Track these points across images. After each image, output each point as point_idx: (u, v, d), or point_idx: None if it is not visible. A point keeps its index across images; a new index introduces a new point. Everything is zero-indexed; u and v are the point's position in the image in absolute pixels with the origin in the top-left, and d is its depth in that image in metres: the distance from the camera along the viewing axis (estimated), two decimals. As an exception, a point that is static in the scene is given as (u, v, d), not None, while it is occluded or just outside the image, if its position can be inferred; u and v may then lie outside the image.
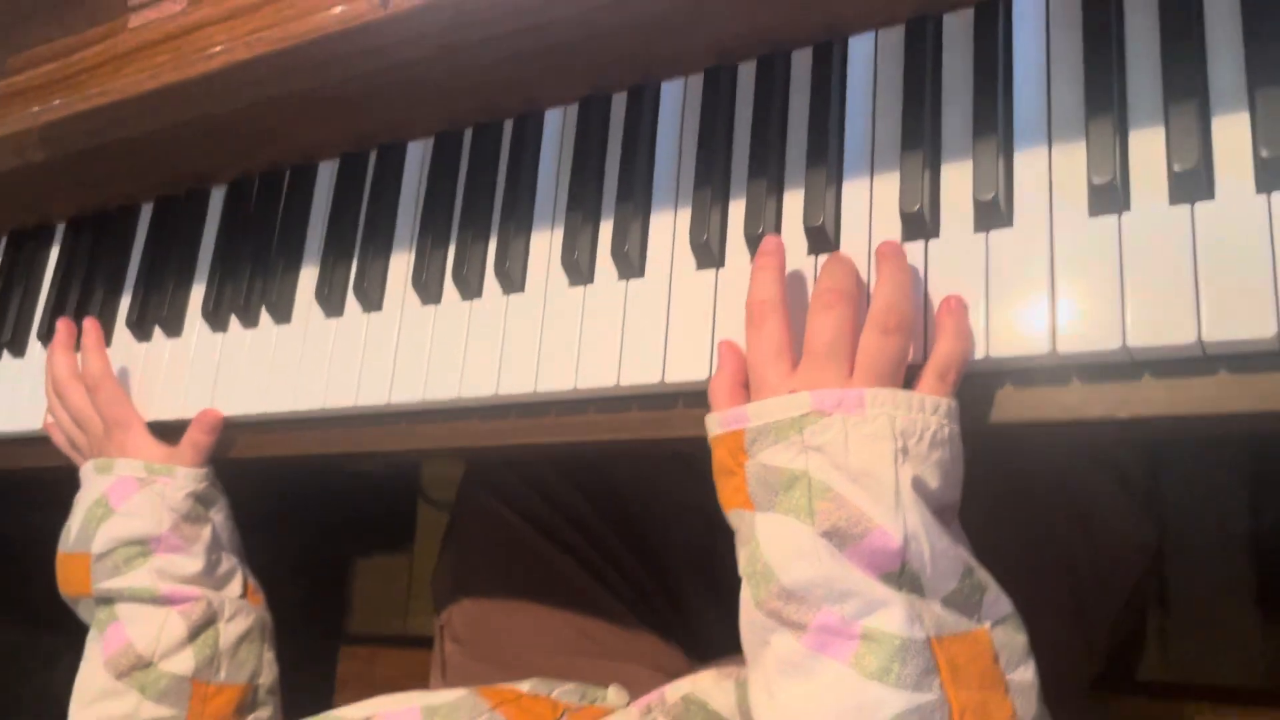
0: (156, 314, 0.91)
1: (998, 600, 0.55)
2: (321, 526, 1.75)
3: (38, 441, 0.96)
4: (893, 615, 0.51)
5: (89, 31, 0.75)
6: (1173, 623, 1.25)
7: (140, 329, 0.92)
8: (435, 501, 1.88)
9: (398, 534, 1.92)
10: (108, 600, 0.81)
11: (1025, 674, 0.54)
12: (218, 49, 0.65)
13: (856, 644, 0.52)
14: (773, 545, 0.54)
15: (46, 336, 0.98)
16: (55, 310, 0.98)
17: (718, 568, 0.99)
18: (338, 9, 0.60)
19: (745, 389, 0.62)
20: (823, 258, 0.62)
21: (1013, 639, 0.55)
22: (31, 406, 0.97)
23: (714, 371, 0.63)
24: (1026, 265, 0.56)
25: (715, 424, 0.60)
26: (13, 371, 1.01)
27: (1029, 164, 0.58)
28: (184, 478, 0.83)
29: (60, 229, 1.03)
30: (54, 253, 1.03)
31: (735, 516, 0.59)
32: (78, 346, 0.92)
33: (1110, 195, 0.54)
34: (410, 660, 1.18)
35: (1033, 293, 0.55)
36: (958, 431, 0.55)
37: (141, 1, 0.72)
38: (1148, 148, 0.54)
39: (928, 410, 0.55)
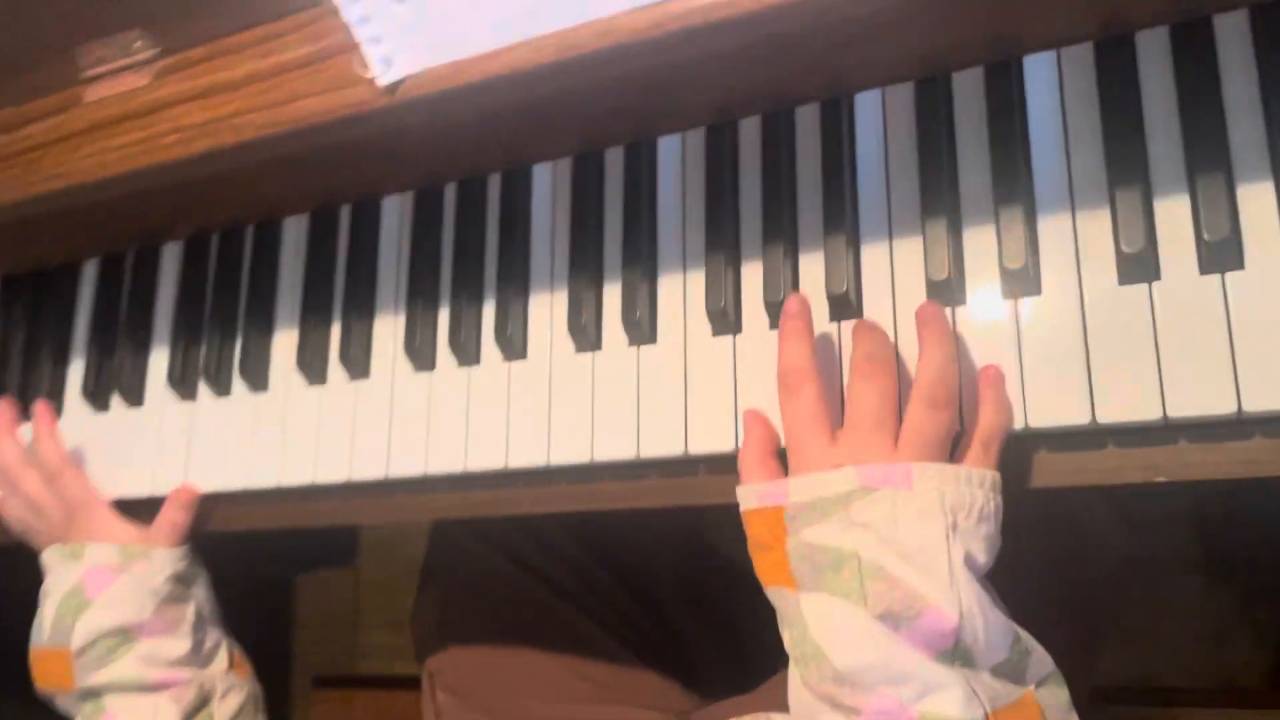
0: (114, 381, 0.87)
1: (1041, 661, 0.56)
2: (260, 546, 1.70)
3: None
4: (951, 698, 0.51)
5: (31, 105, 0.69)
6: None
7: (97, 398, 0.87)
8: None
9: (340, 548, 1.88)
10: (93, 694, 0.77)
11: None
12: (196, 132, 0.60)
13: None
14: (823, 627, 0.54)
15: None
16: (-2, 377, 0.93)
17: (708, 598, 0.99)
18: (335, 94, 0.56)
19: (775, 459, 0.61)
20: (845, 324, 0.62)
21: (1056, 697, 0.56)
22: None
23: (741, 441, 0.62)
24: (1059, 333, 0.56)
25: (751, 498, 0.59)
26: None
27: (1053, 230, 0.58)
28: (163, 559, 0.80)
29: (-10, 289, 0.97)
30: (-16, 314, 0.96)
31: (776, 594, 0.58)
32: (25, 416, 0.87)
33: (1141, 264, 0.54)
34: (388, 702, 1.15)
35: (1068, 361, 0.56)
36: (1001, 503, 0.56)
37: (95, 74, 0.66)
38: (1173, 216, 0.55)
39: (974, 483, 0.55)
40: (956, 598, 0.52)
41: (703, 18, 0.48)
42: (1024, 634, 0.56)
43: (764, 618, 1.04)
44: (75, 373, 0.90)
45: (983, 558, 0.54)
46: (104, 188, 0.65)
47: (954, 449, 0.57)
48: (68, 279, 0.92)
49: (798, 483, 0.56)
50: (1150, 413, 0.53)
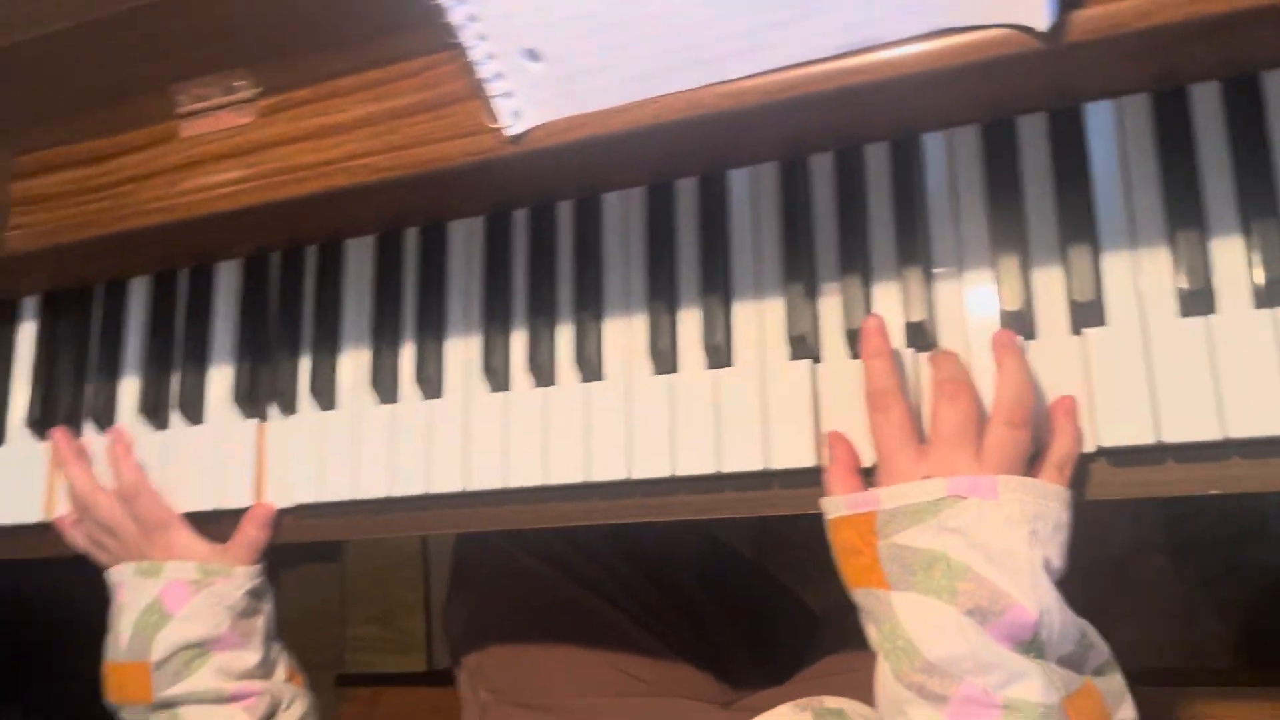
0: (173, 399, 0.88)
1: (1099, 651, 0.62)
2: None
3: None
4: (1033, 685, 0.57)
5: (122, 137, 0.70)
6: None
7: (155, 416, 0.89)
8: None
9: (325, 542, 1.89)
10: (169, 705, 0.80)
11: (1127, 712, 0.62)
12: (308, 173, 0.63)
13: (999, 714, 0.57)
14: (915, 622, 0.59)
15: (35, 424, 0.93)
16: (45, 393, 0.93)
17: (728, 593, 1.03)
18: (460, 141, 0.59)
19: (859, 475, 0.66)
20: (921, 354, 0.67)
21: (1111, 682, 0.62)
22: (11, 496, 0.92)
23: (823, 458, 0.67)
24: (1125, 360, 0.62)
25: (841, 506, 0.64)
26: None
27: (1115, 266, 0.63)
28: (242, 576, 0.83)
29: (30, 303, 0.97)
30: (24, 330, 0.97)
31: (865, 594, 0.63)
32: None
33: (1200, 299, 0.60)
34: (415, 699, 1.18)
35: (1133, 385, 0.61)
36: (1072, 517, 0.62)
37: (193, 109, 0.68)
38: (1228, 255, 0.61)
39: (1050, 497, 0.60)
40: (1037, 597, 0.58)
41: (835, 82, 0.53)
42: (1089, 628, 0.62)
43: (783, 613, 1.10)
44: (128, 390, 0.91)
45: (1057, 562, 0.60)
46: (208, 222, 0.67)
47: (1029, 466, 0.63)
48: (116, 297, 0.93)
49: (890, 491, 0.62)
50: (1210, 433, 0.59)
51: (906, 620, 0.59)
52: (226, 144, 0.66)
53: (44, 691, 1.37)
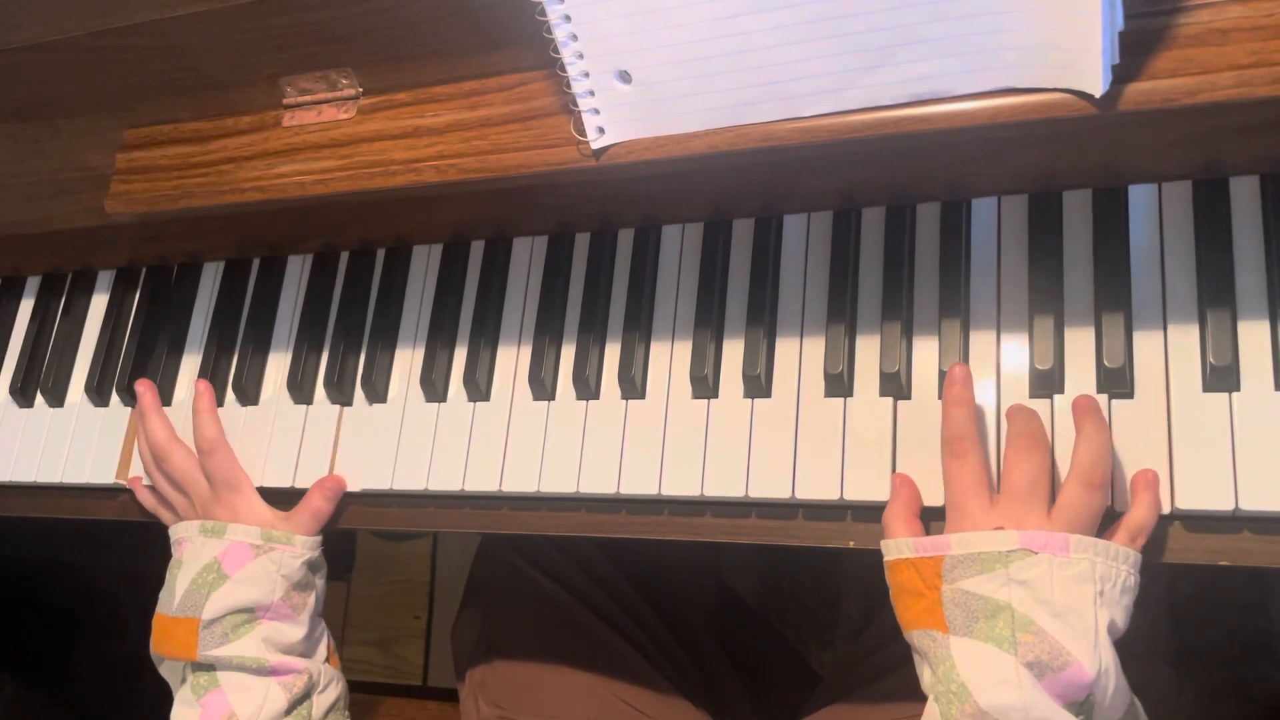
0: (231, 379, 0.92)
1: None
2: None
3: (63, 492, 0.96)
4: None
5: (227, 120, 0.76)
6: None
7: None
8: (378, 530, 1.89)
9: (335, 562, 1.91)
10: (209, 667, 0.80)
11: None
12: (400, 168, 0.67)
13: None
14: (972, 668, 0.60)
15: (95, 390, 0.97)
16: (104, 363, 0.97)
17: (737, 638, 1.05)
18: (543, 150, 0.64)
19: (919, 518, 0.68)
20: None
21: None
22: (66, 458, 0.96)
23: (890, 500, 0.69)
24: (1146, 428, 0.65)
25: (906, 549, 0.65)
26: (46, 420, 0.99)
27: (1145, 337, 0.67)
28: (303, 546, 0.84)
29: (105, 277, 1.02)
30: (96, 300, 1.02)
31: (921, 636, 0.64)
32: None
33: (1225, 375, 0.64)
34: (415, 710, 1.19)
35: (1152, 451, 0.64)
36: (1140, 581, 0.63)
37: (297, 102, 0.73)
38: (1254, 337, 0.64)
39: (1120, 559, 0.62)
40: (1098, 656, 0.59)
41: (900, 128, 0.57)
42: (1137, 701, 0.63)
43: (783, 667, 1.11)
44: (188, 366, 0.95)
45: (1121, 625, 0.62)
46: (297, 204, 0.72)
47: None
48: (189, 278, 0.97)
49: (961, 538, 0.63)
50: (1223, 504, 0.62)
51: (963, 665, 0.60)
52: (325, 135, 0.71)
53: (50, 665, 1.39)
